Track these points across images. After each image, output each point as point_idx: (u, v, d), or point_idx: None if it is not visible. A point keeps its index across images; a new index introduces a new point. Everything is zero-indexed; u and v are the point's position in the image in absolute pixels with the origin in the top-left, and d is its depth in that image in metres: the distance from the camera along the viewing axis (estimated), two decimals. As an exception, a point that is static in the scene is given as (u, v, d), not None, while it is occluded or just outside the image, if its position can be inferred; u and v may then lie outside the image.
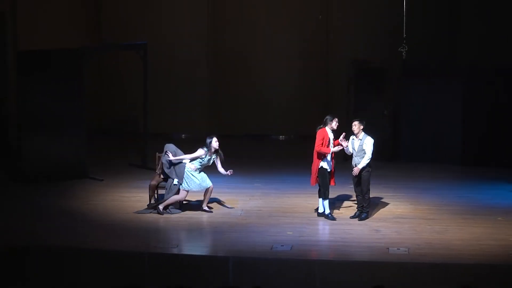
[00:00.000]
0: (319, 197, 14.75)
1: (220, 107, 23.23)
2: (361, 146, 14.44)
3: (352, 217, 14.76)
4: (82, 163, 17.76)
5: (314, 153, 14.57)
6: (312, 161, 14.67)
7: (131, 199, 16.20)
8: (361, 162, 14.41)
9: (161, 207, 15.01)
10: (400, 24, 19.85)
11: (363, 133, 14.50)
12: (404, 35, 19.59)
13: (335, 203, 15.65)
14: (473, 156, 18.99)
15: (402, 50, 19.51)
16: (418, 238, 13.74)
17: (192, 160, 15.05)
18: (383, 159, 19.45)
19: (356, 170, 14.46)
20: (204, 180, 15.10)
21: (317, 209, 14.91)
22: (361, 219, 14.61)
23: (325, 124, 14.57)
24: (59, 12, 20.97)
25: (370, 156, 14.40)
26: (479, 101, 19.00)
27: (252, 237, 13.86)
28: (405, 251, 13.08)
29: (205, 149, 15.02)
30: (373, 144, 14.43)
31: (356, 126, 14.48)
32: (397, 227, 14.39)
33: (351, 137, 14.61)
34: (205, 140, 15.08)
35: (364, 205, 14.66)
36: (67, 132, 17.54)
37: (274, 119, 22.38)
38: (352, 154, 14.62)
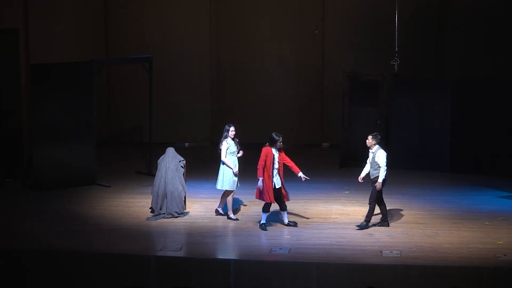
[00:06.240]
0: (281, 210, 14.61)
1: (221, 117, 23.10)
2: (373, 158, 14.30)
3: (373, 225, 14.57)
4: (91, 170, 17.68)
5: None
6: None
7: (137, 204, 16.13)
8: (379, 175, 14.23)
9: (231, 215, 14.98)
10: (392, 39, 19.79)
11: (376, 146, 14.36)
12: (396, 49, 19.53)
13: (332, 209, 15.57)
14: (461, 164, 18.89)
15: (394, 63, 19.46)
16: (410, 242, 13.69)
17: (226, 155, 14.95)
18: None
19: (378, 185, 14.27)
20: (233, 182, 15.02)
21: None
22: (358, 226, 14.40)
23: (271, 143, 14.40)
24: (68, 28, 20.89)
25: (385, 168, 14.25)
26: (466, 111, 18.93)
27: (252, 241, 13.83)
28: (398, 254, 13.05)
29: (226, 139, 14.94)
30: (386, 157, 14.28)
31: (368, 140, 14.40)
32: (389, 231, 14.34)
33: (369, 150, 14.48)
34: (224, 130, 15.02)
35: (369, 213, 14.44)
36: (77, 141, 17.45)
37: (273, 128, 22.21)
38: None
